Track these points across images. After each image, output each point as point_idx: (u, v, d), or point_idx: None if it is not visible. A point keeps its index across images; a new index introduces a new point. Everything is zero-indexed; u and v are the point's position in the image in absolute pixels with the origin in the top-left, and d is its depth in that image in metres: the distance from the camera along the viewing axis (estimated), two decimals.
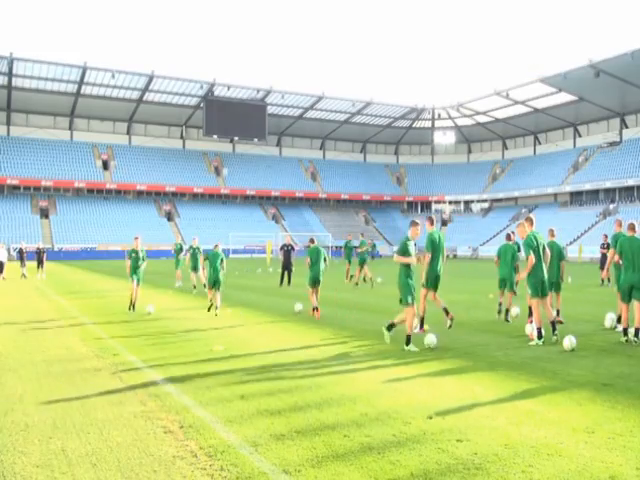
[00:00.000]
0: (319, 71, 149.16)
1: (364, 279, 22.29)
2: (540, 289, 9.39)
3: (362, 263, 21.75)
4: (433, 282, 10.10)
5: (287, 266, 20.93)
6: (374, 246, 22.79)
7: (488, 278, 24.06)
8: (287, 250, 21.07)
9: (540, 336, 9.09)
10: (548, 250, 9.75)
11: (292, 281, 21.06)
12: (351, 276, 22.78)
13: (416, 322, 9.93)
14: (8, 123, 65.80)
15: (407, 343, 8.69)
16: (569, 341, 8.54)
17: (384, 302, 15.64)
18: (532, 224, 9.68)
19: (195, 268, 19.14)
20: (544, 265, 9.48)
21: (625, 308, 9.52)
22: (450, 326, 9.96)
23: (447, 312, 9.94)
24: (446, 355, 8.31)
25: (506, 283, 11.89)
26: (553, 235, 11.31)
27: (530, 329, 9.62)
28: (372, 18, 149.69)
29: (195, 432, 4.98)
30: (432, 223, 10.26)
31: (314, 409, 5.63)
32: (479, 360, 7.95)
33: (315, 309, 12.58)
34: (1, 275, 26.47)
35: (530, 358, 8.05)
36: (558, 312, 11.27)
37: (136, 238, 14.36)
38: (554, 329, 9.36)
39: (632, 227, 9.55)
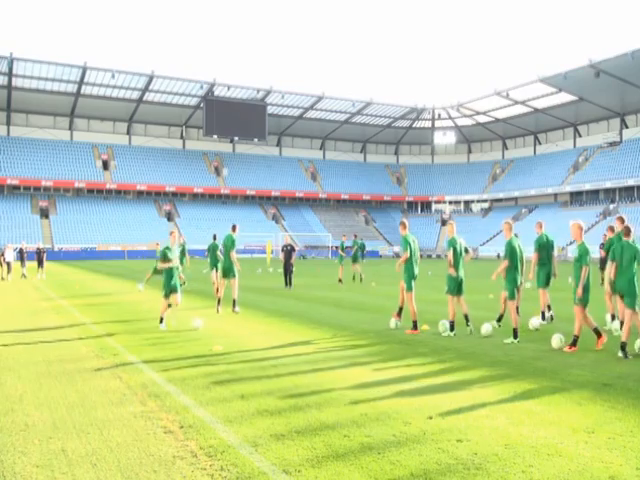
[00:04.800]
0: (319, 71, 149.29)
1: (353, 276, 24.30)
2: (457, 288, 10.22)
3: (354, 260, 24.32)
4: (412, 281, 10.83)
5: (287, 267, 20.84)
6: (363, 246, 24.63)
7: (488, 278, 23.98)
8: (288, 250, 20.99)
9: (452, 328, 10.08)
10: (467, 254, 10.53)
11: (293, 282, 20.97)
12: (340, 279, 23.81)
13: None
14: (8, 123, 65.84)
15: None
16: (558, 338, 8.73)
17: (384, 302, 15.64)
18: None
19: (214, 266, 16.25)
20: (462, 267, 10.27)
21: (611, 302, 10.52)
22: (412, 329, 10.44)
23: (415, 326, 10.51)
24: (446, 355, 8.31)
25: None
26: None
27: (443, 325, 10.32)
28: (372, 18, 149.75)
29: (195, 432, 4.97)
30: (405, 227, 11.06)
31: (314, 409, 5.63)
32: (479, 360, 7.94)
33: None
34: (10, 275, 26.47)
35: (530, 358, 8.06)
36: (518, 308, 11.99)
37: (172, 233, 12.05)
38: (467, 320, 10.32)
39: (621, 222, 10.09)
